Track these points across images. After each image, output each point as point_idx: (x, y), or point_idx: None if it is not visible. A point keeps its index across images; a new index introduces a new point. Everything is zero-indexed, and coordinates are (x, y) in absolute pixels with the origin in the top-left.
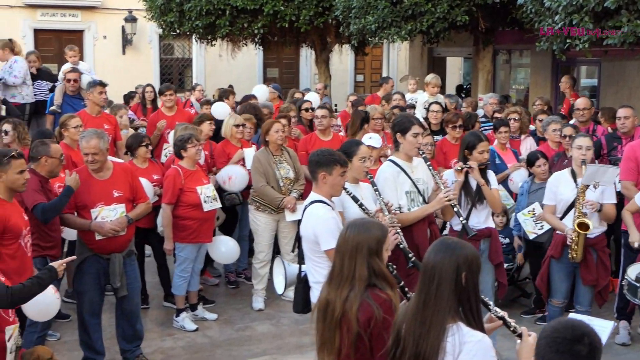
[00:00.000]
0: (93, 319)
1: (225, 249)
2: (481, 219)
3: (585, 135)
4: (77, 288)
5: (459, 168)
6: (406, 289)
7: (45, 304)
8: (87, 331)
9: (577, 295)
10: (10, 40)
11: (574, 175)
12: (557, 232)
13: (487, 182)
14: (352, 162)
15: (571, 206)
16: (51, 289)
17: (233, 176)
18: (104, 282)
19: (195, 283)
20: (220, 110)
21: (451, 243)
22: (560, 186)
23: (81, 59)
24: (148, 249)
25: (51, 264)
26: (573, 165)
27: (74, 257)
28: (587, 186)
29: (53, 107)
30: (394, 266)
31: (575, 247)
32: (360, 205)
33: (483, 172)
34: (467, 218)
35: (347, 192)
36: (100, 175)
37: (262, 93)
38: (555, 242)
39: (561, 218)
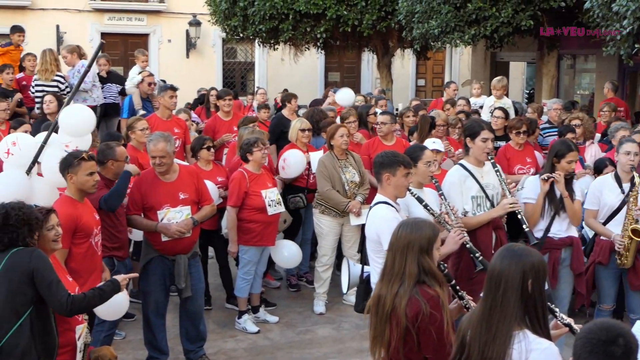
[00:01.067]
0: (158, 319)
1: (288, 253)
2: (563, 227)
3: (633, 140)
4: (142, 288)
5: (545, 178)
6: (457, 287)
7: (115, 303)
8: (152, 331)
9: (628, 303)
10: (77, 46)
11: (618, 181)
12: (601, 237)
13: (572, 192)
14: (417, 166)
15: (616, 212)
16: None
17: (288, 159)
18: (169, 283)
19: (257, 285)
20: (345, 97)
21: (517, 250)
22: (604, 191)
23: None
24: (211, 251)
25: (115, 277)
26: (618, 170)
27: (136, 275)
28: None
29: (142, 112)
30: (445, 265)
31: (627, 253)
32: (425, 206)
33: (568, 182)
34: (549, 226)
35: (412, 193)
36: (167, 177)
37: (347, 97)
38: (601, 248)
39: (604, 223)
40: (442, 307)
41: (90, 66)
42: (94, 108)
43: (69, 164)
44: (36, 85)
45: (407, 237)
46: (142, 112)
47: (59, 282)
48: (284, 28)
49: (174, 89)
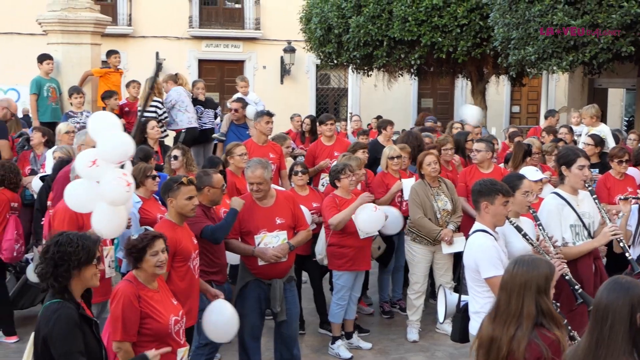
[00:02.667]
0: (253, 342)
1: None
2: None
3: None
4: (239, 311)
5: (623, 197)
6: (569, 327)
7: (227, 326)
8: (247, 353)
9: None
10: (175, 74)
11: None
12: None
13: None
14: (514, 196)
15: None
16: (232, 309)
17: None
18: (264, 307)
19: (352, 311)
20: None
21: (625, 282)
22: None
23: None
24: (305, 276)
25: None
26: None
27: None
28: None
29: (217, 135)
30: (558, 304)
31: None
32: (524, 236)
33: None
34: None
35: (511, 222)
36: (264, 202)
37: (474, 114)
38: None
39: None
40: (562, 352)
41: (152, 87)
42: (178, 132)
43: (169, 188)
44: (138, 111)
45: (523, 276)
46: (216, 135)
47: (71, 355)
48: (378, 55)
49: (270, 114)
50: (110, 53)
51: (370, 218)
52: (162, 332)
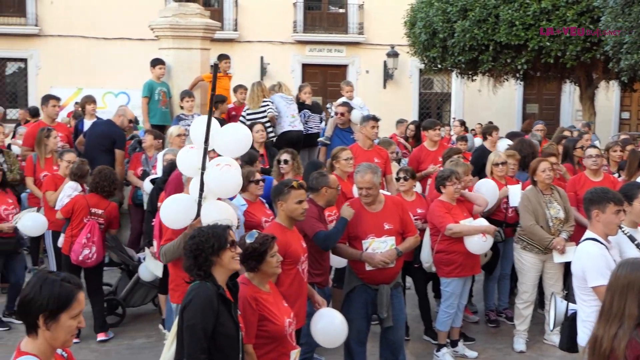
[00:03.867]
0: (359, 347)
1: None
2: None
3: None
4: (345, 316)
5: None
6: None
7: (336, 332)
8: (353, 358)
9: None
10: (279, 83)
11: None
12: None
13: None
14: (632, 205)
15: None
16: (341, 316)
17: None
18: (371, 312)
19: (458, 319)
20: None
21: None
22: None
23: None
24: (408, 282)
25: None
26: None
27: None
28: None
29: (322, 139)
30: None
31: None
32: (638, 246)
33: None
34: None
35: (624, 231)
36: (373, 207)
37: None
38: None
39: None
40: None
41: (214, 89)
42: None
43: (279, 191)
44: (247, 114)
45: (627, 277)
46: (321, 139)
47: (194, 328)
48: (484, 59)
49: (375, 119)
50: (221, 57)
51: (479, 246)
52: (279, 334)
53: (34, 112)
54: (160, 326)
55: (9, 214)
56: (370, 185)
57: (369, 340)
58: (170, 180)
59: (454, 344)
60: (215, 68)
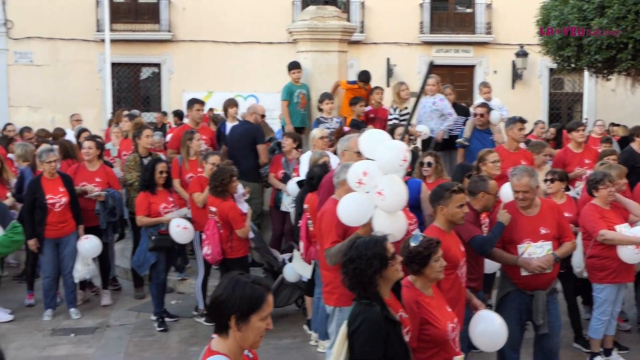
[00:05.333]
0: (513, 353)
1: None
2: None
3: None
4: None
5: None
6: None
7: (496, 335)
8: None
9: None
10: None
11: None
12: None
13: None
14: None
15: None
16: (501, 319)
17: None
18: (525, 318)
19: (612, 327)
20: None
21: None
22: None
23: (471, 93)
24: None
25: None
26: None
27: None
28: None
29: (460, 140)
30: None
31: None
32: None
33: None
34: None
35: None
36: (529, 211)
37: None
38: None
39: None
40: None
41: (422, 89)
42: (429, 139)
43: (440, 195)
44: (400, 114)
45: None
46: (460, 140)
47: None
48: (622, 58)
49: (522, 121)
50: (363, 75)
51: (632, 256)
52: (441, 338)
53: (180, 116)
54: (305, 327)
55: (168, 212)
56: (527, 188)
57: (522, 346)
58: (323, 184)
59: (607, 352)
60: (430, 66)
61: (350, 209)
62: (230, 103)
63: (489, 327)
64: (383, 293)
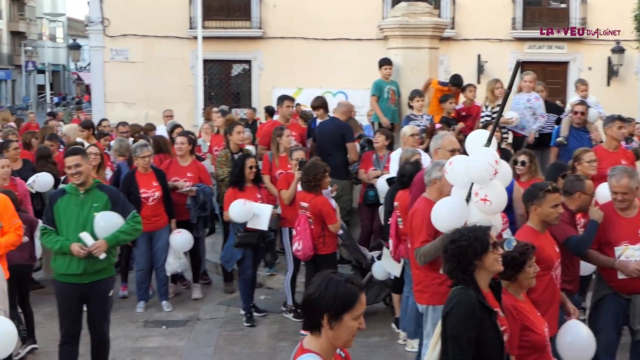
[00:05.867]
0: (608, 357)
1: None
2: None
3: None
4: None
5: None
6: None
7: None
8: None
9: None
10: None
11: None
12: None
13: None
14: None
15: None
16: (588, 330)
17: None
18: (622, 322)
19: None
20: None
21: None
22: None
23: (564, 91)
24: None
25: None
26: None
27: None
28: None
29: (559, 139)
30: None
31: None
32: None
33: None
34: None
35: None
36: (627, 213)
37: None
38: None
39: None
40: None
41: (510, 87)
42: (522, 138)
43: (534, 195)
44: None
45: None
46: (559, 139)
47: (458, 340)
48: None
49: (622, 119)
50: (455, 79)
51: None
52: (540, 343)
53: (271, 112)
54: (394, 325)
55: None
56: (626, 190)
57: (618, 352)
58: (415, 182)
59: None
60: (517, 65)
61: (444, 215)
62: (318, 104)
63: (578, 339)
64: (481, 284)
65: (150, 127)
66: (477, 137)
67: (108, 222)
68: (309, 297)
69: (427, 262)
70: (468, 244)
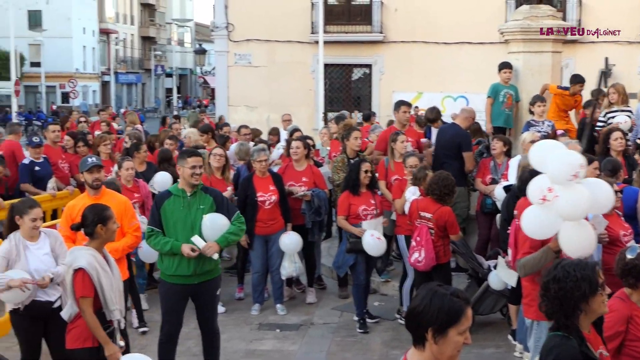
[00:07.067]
0: None
1: None
2: None
3: None
4: None
5: None
6: None
7: None
8: None
9: None
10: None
11: None
12: None
13: None
14: None
15: None
16: None
17: None
18: None
19: None
20: None
21: None
22: None
23: None
24: None
25: None
26: None
27: None
28: None
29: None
30: None
31: None
32: None
33: None
34: None
35: None
36: None
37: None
38: None
39: None
40: None
41: (598, 92)
42: None
43: None
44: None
45: None
46: None
47: None
48: None
49: None
50: (575, 79)
51: None
52: None
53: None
54: (510, 337)
55: (368, 214)
56: None
57: None
58: None
59: None
60: (600, 75)
61: (534, 223)
62: (434, 117)
63: None
64: (583, 326)
65: (275, 132)
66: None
67: (216, 223)
68: (413, 310)
69: (527, 275)
70: (575, 285)
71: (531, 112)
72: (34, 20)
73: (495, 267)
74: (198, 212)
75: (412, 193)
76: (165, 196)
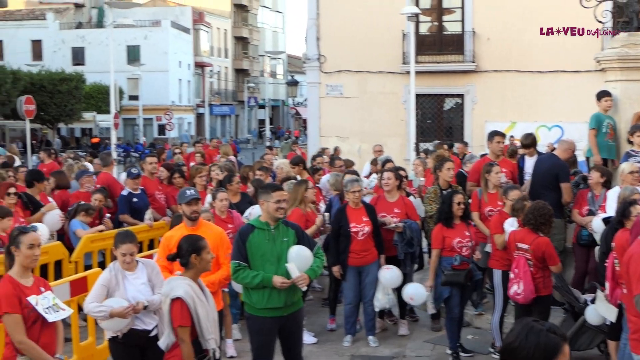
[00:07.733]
0: None
1: None
2: None
3: None
4: None
5: None
6: None
7: None
8: None
9: None
10: None
11: None
12: None
13: None
14: None
15: None
16: None
17: None
18: None
19: None
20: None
21: None
22: None
23: None
24: None
25: None
26: None
27: None
28: None
29: None
30: None
31: None
32: None
33: None
34: None
35: None
36: None
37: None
38: None
39: None
40: None
41: None
42: None
43: None
44: None
45: None
46: None
47: None
48: None
49: None
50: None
51: None
52: None
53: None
54: None
55: (462, 247)
56: None
57: None
58: (636, 222)
59: None
60: None
61: None
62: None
63: None
64: None
65: (350, 164)
66: None
67: (302, 255)
68: (509, 346)
69: None
70: None
71: (630, 142)
72: (133, 55)
73: (592, 301)
74: (283, 245)
75: (510, 224)
76: (249, 230)
